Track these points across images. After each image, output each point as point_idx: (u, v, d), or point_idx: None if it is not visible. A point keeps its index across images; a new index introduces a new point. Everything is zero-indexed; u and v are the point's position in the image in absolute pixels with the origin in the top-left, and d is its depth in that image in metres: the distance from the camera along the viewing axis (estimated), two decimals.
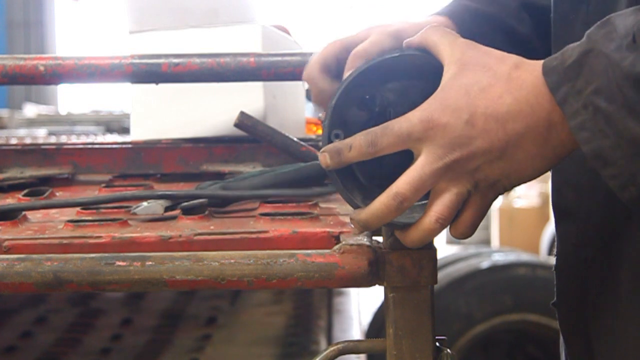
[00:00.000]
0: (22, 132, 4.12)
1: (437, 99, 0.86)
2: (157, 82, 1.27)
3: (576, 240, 1.10)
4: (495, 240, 8.31)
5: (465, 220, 0.88)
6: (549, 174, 1.12)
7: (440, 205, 0.86)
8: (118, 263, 0.86)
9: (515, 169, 0.88)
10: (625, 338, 1.03)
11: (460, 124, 0.86)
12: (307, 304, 2.15)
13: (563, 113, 0.84)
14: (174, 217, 1.05)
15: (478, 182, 0.87)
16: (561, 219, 1.13)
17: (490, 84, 0.87)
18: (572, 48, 0.84)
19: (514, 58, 0.89)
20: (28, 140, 2.16)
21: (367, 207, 0.85)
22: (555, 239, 1.14)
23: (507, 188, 0.89)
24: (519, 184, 0.91)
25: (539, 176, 0.91)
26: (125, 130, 4.14)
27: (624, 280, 1.02)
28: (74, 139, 2.32)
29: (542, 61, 0.86)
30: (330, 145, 0.86)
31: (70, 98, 11.19)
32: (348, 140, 0.86)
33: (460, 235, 0.87)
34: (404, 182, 0.85)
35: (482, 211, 0.89)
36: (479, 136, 0.86)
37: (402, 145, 0.86)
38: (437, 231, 0.86)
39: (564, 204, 1.11)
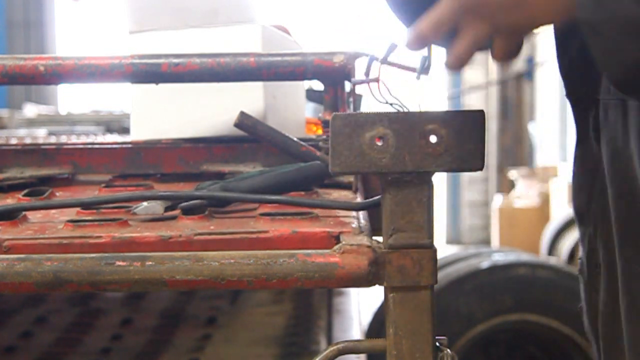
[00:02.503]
0: (22, 132, 4.12)
1: None
2: (157, 82, 1.27)
3: (588, 245, 1.17)
4: (495, 240, 8.31)
5: (495, 52, 0.99)
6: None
7: (458, 45, 0.97)
8: (118, 263, 0.86)
9: (530, 15, 0.97)
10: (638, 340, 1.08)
11: None
12: (307, 304, 2.15)
13: None
14: (174, 217, 1.05)
15: (498, 27, 0.97)
16: (579, 222, 1.21)
17: None
18: None
19: None
20: (28, 140, 2.16)
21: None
22: (579, 241, 1.23)
23: (525, 31, 0.99)
24: (536, 27, 1.00)
25: (553, 21, 1.02)
26: (125, 130, 4.13)
27: (636, 280, 1.07)
28: (74, 139, 2.32)
29: None
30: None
31: (70, 98, 11.20)
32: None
33: (496, 58, 1.00)
34: (425, 19, 0.97)
35: (509, 49, 0.99)
36: None
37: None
38: (461, 62, 0.98)
39: (580, 208, 1.20)
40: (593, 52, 0.90)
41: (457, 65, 0.98)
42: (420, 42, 0.97)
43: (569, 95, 1.21)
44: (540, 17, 0.99)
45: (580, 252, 1.23)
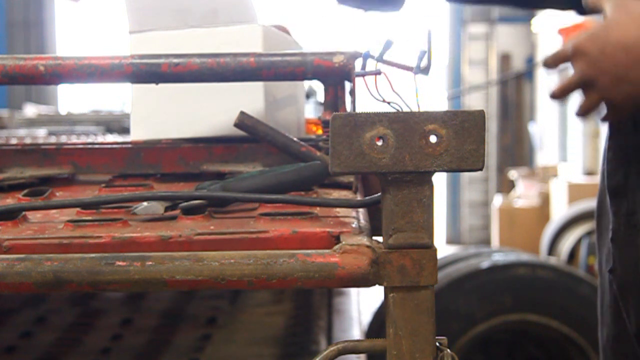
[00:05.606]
0: (22, 132, 4.11)
1: (588, 31, 1.26)
2: (157, 82, 1.27)
3: (626, 211, 1.40)
4: (495, 240, 8.31)
5: (603, 116, 1.32)
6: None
7: (582, 104, 1.31)
8: (118, 263, 0.86)
9: (634, 94, 1.24)
10: None
11: (595, 51, 1.25)
12: (307, 304, 2.15)
13: None
14: (174, 217, 1.05)
15: (607, 99, 1.27)
16: (614, 197, 1.43)
17: (625, 21, 1.23)
18: None
19: None
20: (28, 140, 2.16)
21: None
22: (610, 214, 1.46)
23: (629, 107, 1.27)
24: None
25: None
26: (125, 130, 4.13)
27: None
28: (74, 139, 2.32)
29: None
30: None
31: (70, 98, 11.19)
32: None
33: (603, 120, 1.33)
34: (558, 85, 1.33)
35: (613, 116, 1.31)
36: (608, 60, 1.24)
37: (564, 61, 1.32)
38: (586, 114, 1.34)
39: (615, 184, 1.43)
40: None
41: (583, 114, 1.33)
42: (552, 97, 1.35)
43: None
44: None
45: (612, 224, 1.43)
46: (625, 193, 1.41)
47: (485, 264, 3.58)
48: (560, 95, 1.34)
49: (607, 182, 1.45)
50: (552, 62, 1.35)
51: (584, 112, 1.32)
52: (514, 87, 11.11)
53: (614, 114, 1.31)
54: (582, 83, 1.29)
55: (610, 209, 1.46)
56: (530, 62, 10.66)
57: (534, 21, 10.33)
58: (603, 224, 1.52)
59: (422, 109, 1.02)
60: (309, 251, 0.87)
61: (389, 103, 1.16)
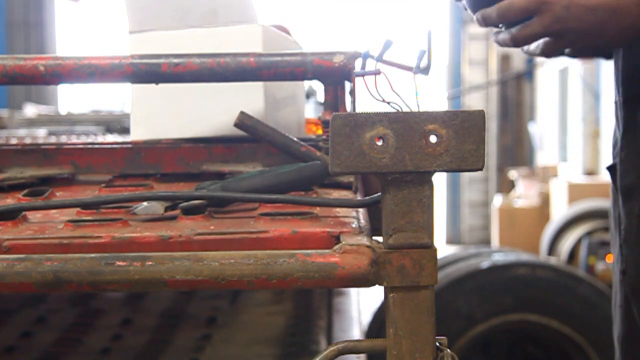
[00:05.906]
0: (22, 132, 4.11)
1: None
2: (157, 82, 1.27)
3: (638, 212, 1.39)
4: (495, 240, 8.31)
5: (568, 52, 1.39)
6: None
7: (537, 47, 1.34)
8: (118, 263, 0.86)
9: (597, 45, 1.31)
10: None
11: (560, 7, 1.26)
12: (307, 304, 2.15)
13: None
14: (174, 217, 1.05)
15: (574, 47, 1.33)
16: (626, 197, 1.42)
17: None
18: None
19: None
20: (28, 140, 2.16)
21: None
22: (622, 215, 1.44)
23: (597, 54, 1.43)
24: (607, 50, 1.41)
25: (621, 45, 1.37)
26: (125, 130, 4.13)
27: None
28: (74, 139, 2.32)
29: None
30: (480, 12, 1.35)
31: (70, 98, 11.19)
32: (489, 10, 1.32)
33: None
34: (521, 31, 1.32)
35: (582, 55, 1.42)
36: (572, 19, 1.26)
37: (524, 14, 1.30)
38: (546, 56, 1.40)
39: (628, 184, 1.41)
40: None
41: (548, 56, 1.37)
42: (513, 45, 1.35)
43: (624, 96, 1.45)
44: (611, 43, 1.31)
45: (623, 225, 1.42)
46: (638, 193, 1.39)
47: (485, 264, 3.58)
48: (522, 44, 1.36)
49: (619, 182, 1.43)
50: (508, 12, 1.33)
51: (548, 54, 1.37)
52: (514, 87, 11.11)
53: (578, 55, 1.41)
54: (547, 35, 1.32)
55: (622, 210, 1.44)
56: (530, 62, 10.65)
57: None
58: (616, 224, 1.51)
59: (422, 109, 1.02)
60: (309, 251, 0.87)
61: (389, 103, 1.16)
